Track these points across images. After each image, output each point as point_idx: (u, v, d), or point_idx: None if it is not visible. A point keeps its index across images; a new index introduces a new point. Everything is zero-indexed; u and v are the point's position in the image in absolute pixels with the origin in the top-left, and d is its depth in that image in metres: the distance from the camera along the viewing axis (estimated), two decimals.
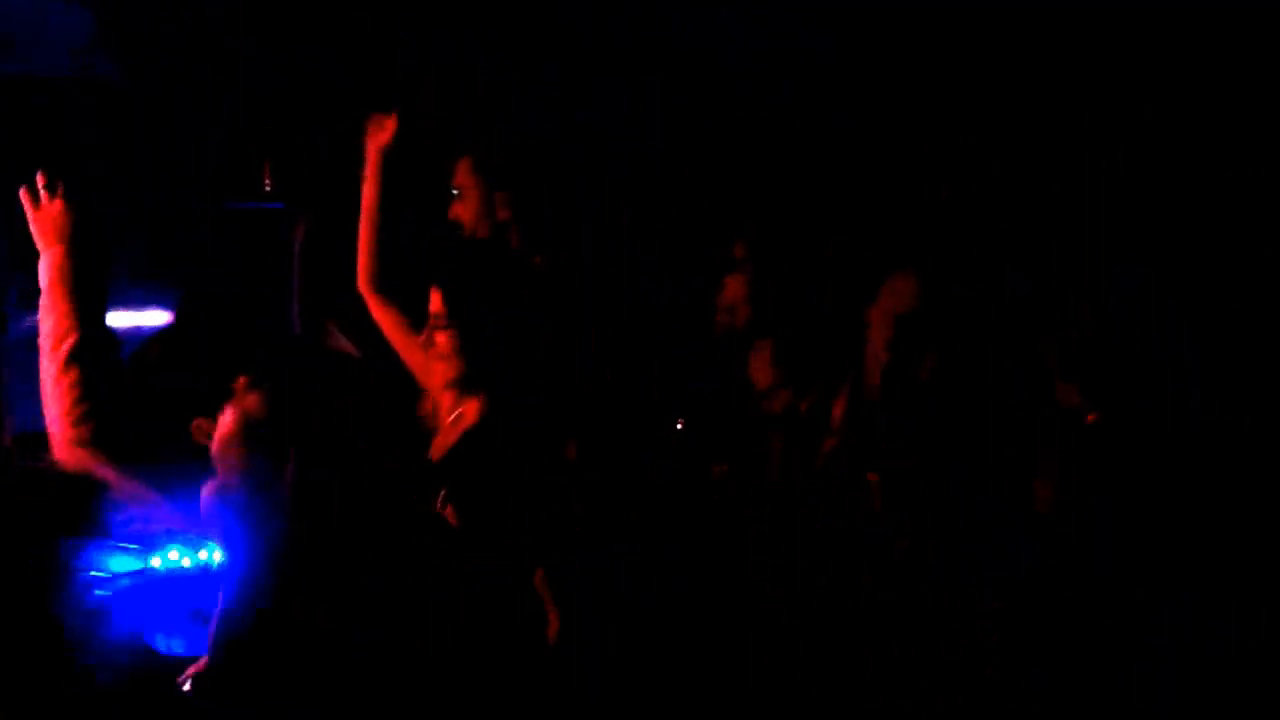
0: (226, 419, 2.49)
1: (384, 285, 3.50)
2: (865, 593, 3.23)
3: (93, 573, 2.68)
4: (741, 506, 3.52)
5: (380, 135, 3.50)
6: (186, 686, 2.65)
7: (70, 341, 2.82)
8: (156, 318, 4.52)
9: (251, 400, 2.48)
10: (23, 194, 2.89)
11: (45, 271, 2.88)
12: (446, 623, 2.56)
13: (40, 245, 2.89)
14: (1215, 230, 3.64)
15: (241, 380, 2.51)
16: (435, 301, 3.25)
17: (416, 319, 3.41)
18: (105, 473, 2.77)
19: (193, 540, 3.39)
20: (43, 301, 2.87)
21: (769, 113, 4.36)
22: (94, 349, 2.84)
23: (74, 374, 2.82)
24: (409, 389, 3.34)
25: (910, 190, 4.09)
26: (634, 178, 4.14)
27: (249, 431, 2.46)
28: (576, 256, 3.66)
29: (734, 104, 4.38)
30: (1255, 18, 3.92)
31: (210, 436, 2.54)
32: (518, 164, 3.72)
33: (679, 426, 3.78)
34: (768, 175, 4.23)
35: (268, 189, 4.48)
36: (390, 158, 3.49)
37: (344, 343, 4.02)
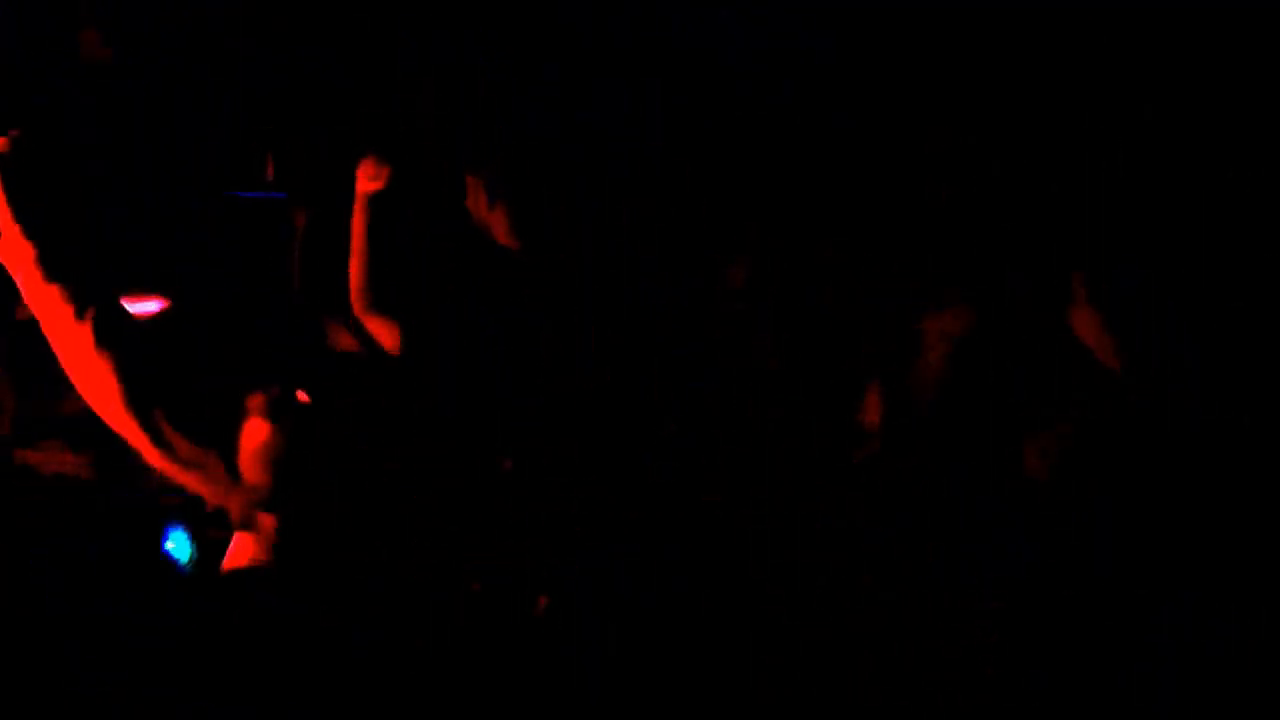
0: (253, 436, 2.47)
1: (379, 306, 3.51)
2: (865, 593, 3.22)
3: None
4: (741, 506, 3.52)
5: (370, 183, 3.50)
6: None
7: (92, 312, 2.74)
8: (155, 305, 4.52)
9: (281, 422, 2.46)
10: None
11: (22, 251, 2.77)
12: (446, 623, 2.55)
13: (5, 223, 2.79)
14: (1215, 230, 3.64)
15: (259, 399, 2.49)
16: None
17: (411, 334, 3.42)
18: (174, 441, 2.72)
19: None
20: (32, 281, 2.78)
21: (769, 113, 4.36)
22: (117, 313, 2.78)
23: (111, 341, 2.74)
24: (409, 389, 3.34)
25: (910, 190, 4.08)
26: (634, 178, 4.14)
27: (279, 450, 2.45)
28: (576, 256, 3.66)
29: (734, 104, 4.37)
30: (1255, 18, 3.92)
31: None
32: (518, 164, 3.72)
33: (672, 429, 3.77)
34: (768, 175, 4.22)
35: (270, 178, 4.49)
36: (379, 203, 3.50)
37: (344, 339, 4.02)
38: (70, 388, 2.90)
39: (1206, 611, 3.00)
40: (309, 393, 2.61)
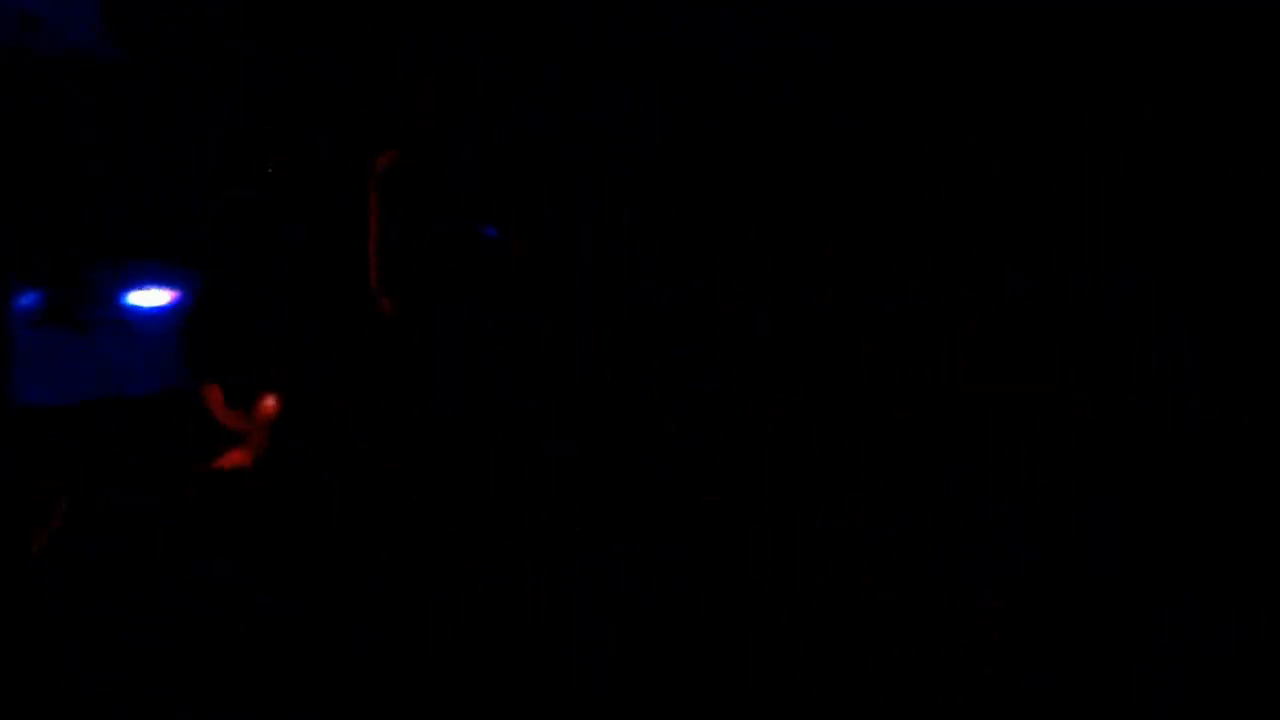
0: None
1: (380, 306, 3.52)
2: (865, 593, 3.22)
3: None
4: (741, 506, 3.52)
5: (377, 185, 3.51)
6: None
7: None
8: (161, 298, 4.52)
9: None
10: None
11: None
12: (446, 623, 2.55)
13: None
14: (1215, 230, 3.64)
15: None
16: None
17: (412, 334, 3.42)
18: None
19: None
20: None
21: (769, 113, 4.36)
22: None
23: None
24: (409, 389, 3.34)
25: (910, 190, 4.08)
26: (634, 178, 4.14)
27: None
28: (576, 256, 3.66)
29: (734, 104, 4.37)
30: (1255, 18, 3.92)
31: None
32: (518, 164, 3.73)
33: (672, 429, 3.77)
34: (768, 175, 4.22)
35: (272, 176, 4.49)
36: (384, 204, 3.50)
37: (344, 339, 4.02)
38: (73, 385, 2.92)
39: (1206, 611, 3.00)
40: (305, 391, 2.61)
